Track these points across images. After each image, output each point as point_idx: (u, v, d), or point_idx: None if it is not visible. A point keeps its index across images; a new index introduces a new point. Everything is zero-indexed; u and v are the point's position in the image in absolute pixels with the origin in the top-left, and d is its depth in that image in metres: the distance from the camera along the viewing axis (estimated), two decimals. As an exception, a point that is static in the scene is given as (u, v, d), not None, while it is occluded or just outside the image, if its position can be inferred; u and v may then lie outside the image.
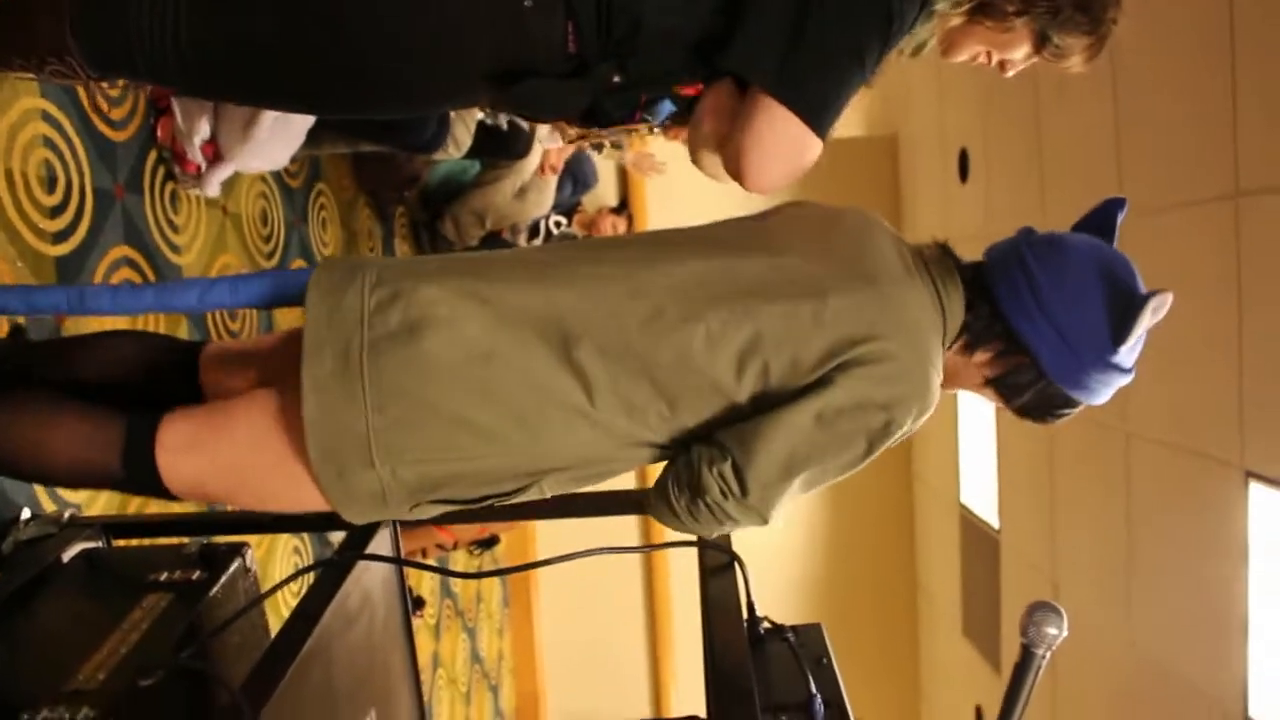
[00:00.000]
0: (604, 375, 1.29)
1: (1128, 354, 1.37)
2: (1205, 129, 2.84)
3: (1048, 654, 1.37)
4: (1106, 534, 3.51)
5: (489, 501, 1.38)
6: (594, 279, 1.36)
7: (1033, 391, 1.39)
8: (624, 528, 5.80)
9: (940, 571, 5.50)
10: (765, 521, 1.31)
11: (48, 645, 1.45)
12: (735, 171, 1.45)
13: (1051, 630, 1.35)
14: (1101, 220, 1.45)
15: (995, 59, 1.68)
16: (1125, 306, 1.33)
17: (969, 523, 4.97)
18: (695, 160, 1.63)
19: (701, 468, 1.29)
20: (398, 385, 1.29)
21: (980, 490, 4.82)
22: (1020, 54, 1.66)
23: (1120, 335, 1.33)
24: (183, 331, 2.49)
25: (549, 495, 1.37)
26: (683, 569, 5.65)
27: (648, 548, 1.51)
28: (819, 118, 1.40)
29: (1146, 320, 1.33)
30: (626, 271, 1.37)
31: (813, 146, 1.42)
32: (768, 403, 1.30)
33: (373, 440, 1.29)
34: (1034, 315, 1.35)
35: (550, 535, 5.41)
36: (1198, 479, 2.99)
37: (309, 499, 1.36)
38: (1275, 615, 2.75)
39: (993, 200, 4.44)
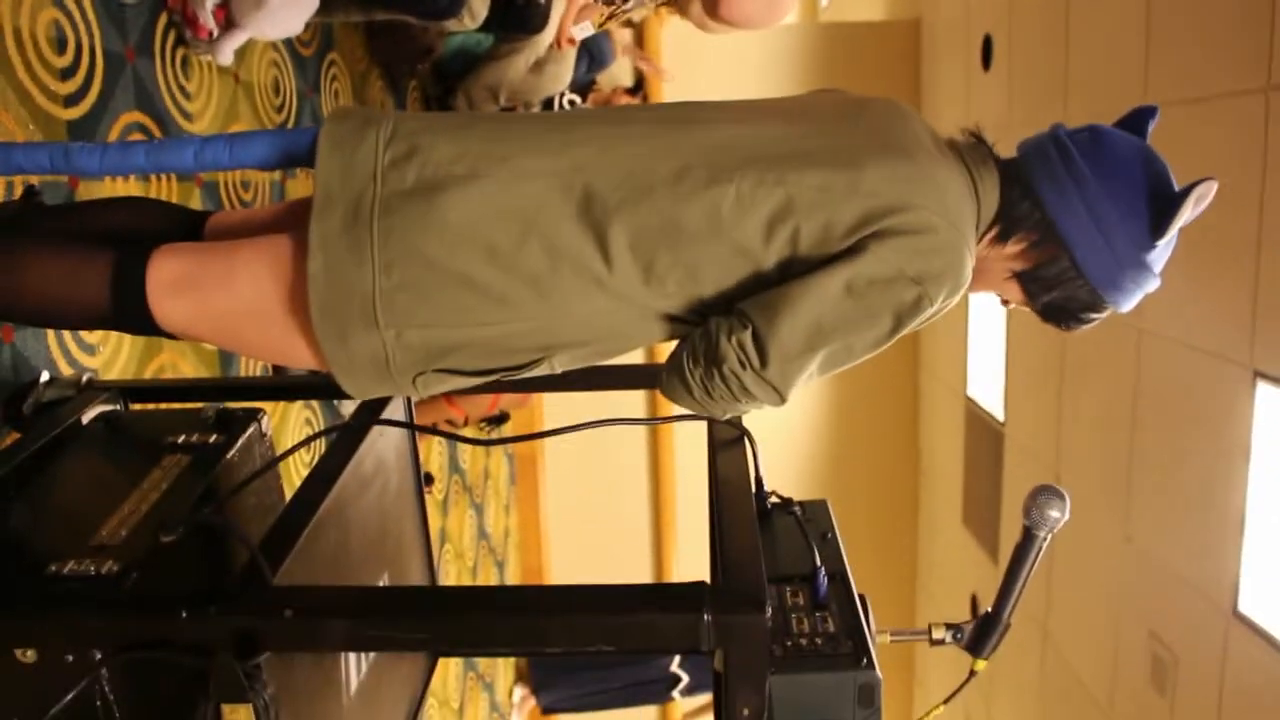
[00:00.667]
0: (623, 238, 1.25)
1: (1161, 252, 1.34)
2: (1240, 20, 2.77)
3: (1049, 537, 1.39)
4: (1112, 430, 3.54)
5: (497, 375, 1.34)
6: (619, 138, 1.32)
7: (1062, 288, 1.36)
8: (632, 405, 5.86)
9: (943, 461, 5.56)
10: (782, 399, 1.28)
11: (70, 504, 1.48)
12: (715, 3, 1.43)
13: (1054, 513, 1.37)
14: (1133, 127, 1.40)
15: None
16: (1166, 198, 1.30)
17: (974, 414, 5.00)
18: (684, 12, 1.60)
19: (720, 336, 1.25)
20: (409, 245, 1.25)
21: (987, 383, 4.84)
22: None
23: (1161, 227, 1.30)
24: (195, 203, 2.48)
25: (559, 371, 1.34)
26: (688, 445, 5.72)
27: (658, 420, 1.51)
28: None
29: (1189, 211, 1.30)
30: (654, 131, 1.33)
31: None
32: (794, 272, 1.26)
33: (378, 301, 1.25)
34: (1073, 204, 1.31)
35: (558, 412, 5.46)
36: (1207, 377, 3.00)
37: (305, 356, 1.33)
38: (1272, 514, 2.78)
39: (1015, 90, 4.35)
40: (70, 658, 1.20)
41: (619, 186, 1.27)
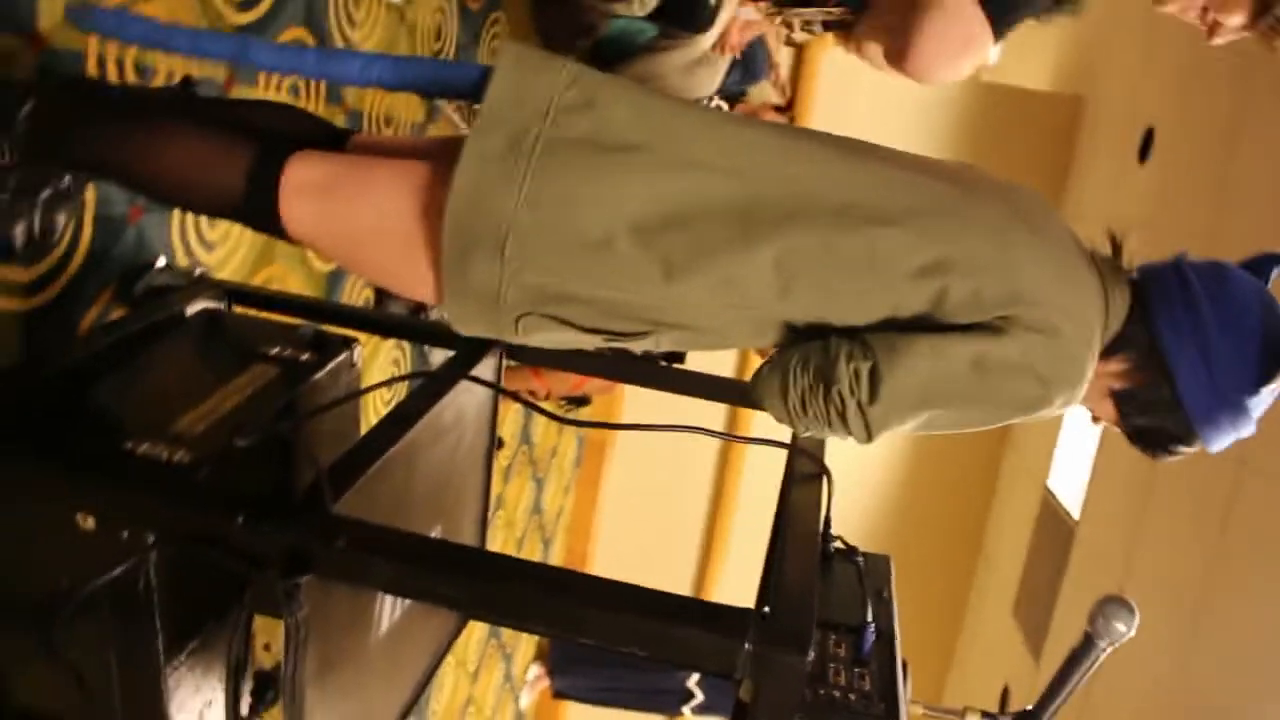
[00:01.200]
0: (771, 251, 1.24)
1: (1265, 398, 1.30)
2: None
3: (1109, 649, 1.35)
4: (1189, 555, 3.41)
5: (602, 336, 1.32)
6: (794, 154, 1.31)
7: (1156, 415, 1.33)
8: (712, 417, 5.85)
9: (1008, 545, 5.43)
10: (870, 439, 1.26)
11: (157, 389, 1.52)
12: (901, 51, 1.40)
13: (1120, 625, 1.33)
14: (1257, 269, 1.37)
15: (1209, 17, 1.57)
16: (1278, 344, 1.27)
17: (1049, 506, 4.87)
18: (858, 47, 1.58)
19: (840, 357, 1.23)
20: (563, 189, 1.24)
21: (1069, 478, 4.72)
22: (1236, 19, 1.55)
23: (1269, 376, 1.27)
24: (339, 123, 2.53)
25: (662, 349, 1.33)
26: (757, 472, 5.67)
27: (740, 438, 1.48)
28: (1001, 12, 1.34)
29: None
30: (829, 156, 1.32)
31: (985, 41, 1.36)
32: (928, 325, 1.25)
33: (512, 231, 1.24)
34: (1184, 334, 1.29)
35: (638, 408, 5.47)
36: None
37: (419, 282, 1.33)
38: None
39: (1168, 188, 4.22)
40: (125, 534, 1.23)
41: (783, 201, 1.26)
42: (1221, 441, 1.33)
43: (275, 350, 1.61)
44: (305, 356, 1.60)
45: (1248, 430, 1.33)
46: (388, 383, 1.47)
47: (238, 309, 1.80)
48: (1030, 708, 1.36)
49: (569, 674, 6.22)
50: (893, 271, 1.24)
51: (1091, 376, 1.29)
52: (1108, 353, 1.33)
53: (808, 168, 1.30)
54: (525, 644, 6.11)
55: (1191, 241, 1.38)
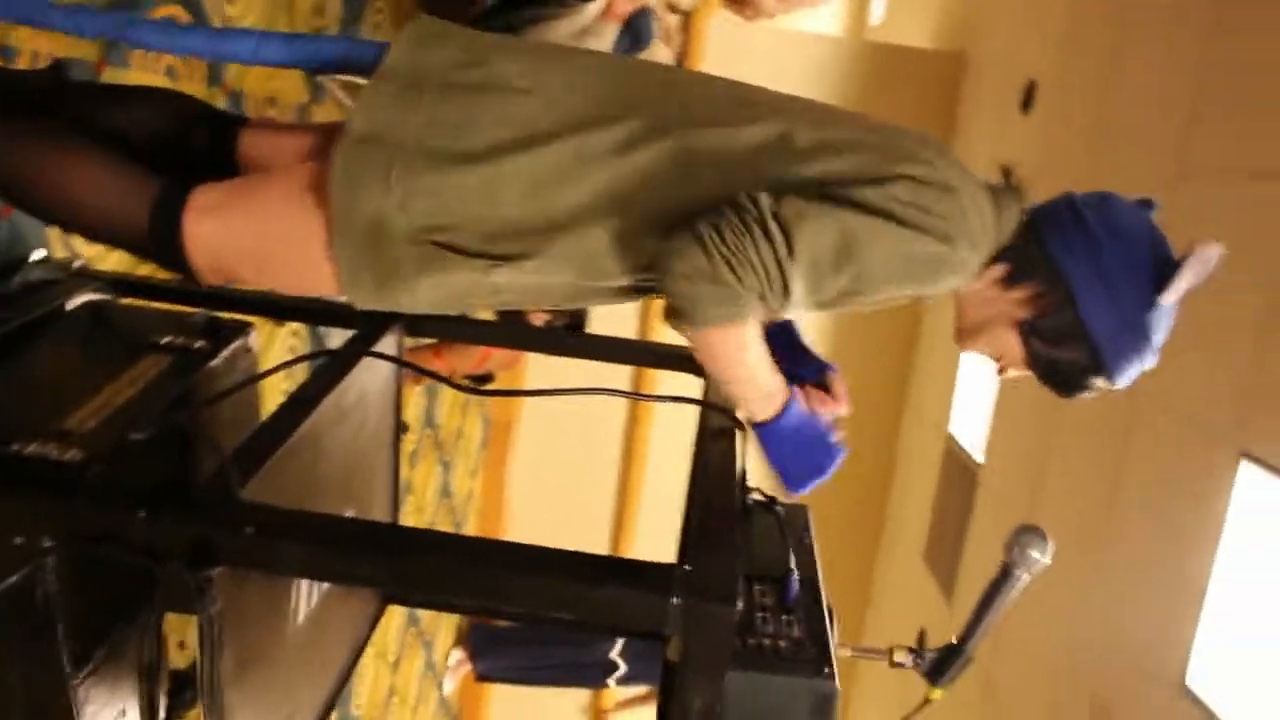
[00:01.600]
0: (647, 156, 1.30)
1: (1163, 319, 1.35)
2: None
3: (1026, 578, 1.38)
4: (1089, 488, 3.53)
5: (486, 261, 1.33)
6: (672, 78, 1.45)
7: (1063, 345, 1.36)
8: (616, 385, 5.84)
9: (914, 493, 5.56)
10: (791, 253, 1.23)
11: (42, 386, 1.45)
12: None
13: (1035, 554, 1.36)
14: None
15: None
16: (1170, 262, 1.32)
17: (952, 452, 5.00)
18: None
19: (742, 194, 1.26)
20: (457, 120, 1.30)
21: (970, 424, 4.84)
22: None
23: (1165, 286, 1.31)
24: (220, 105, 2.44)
25: (553, 280, 1.35)
26: (664, 437, 5.69)
27: (651, 397, 1.46)
28: None
29: (1192, 273, 1.31)
30: (703, 78, 1.45)
31: None
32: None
33: (398, 157, 1.29)
34: (1080, 258, 1.33)
35: (541, 383, 5.44)
36: (1193, 450, 2.99)
37: (327, 279, 1.37)
38: (1232, 595, 2.78)
39: (1050, 139, 4.33)
40: (18, 540, 1.17)
41: (662, 117, 1.32)
42: (1128, 370, 1.37)
43: (167, 339, 1.54)
44: (199, 344, 1.54)
45: (1150, 358, 1.36)
46: (288, 364, 1.42)
47: (124, 300, 1.73)
48: (954, 641, 1.39)
49: (490, 656, 6.19)
50: (777, 163, 1.30)
51: (986, 291, 1.37)
52: (1010, 279, 1.37)
53: (688, 86, 1.41)
54: (445, 630, 6.06)
55: (1074, 187, 1.43)
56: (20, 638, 1.22)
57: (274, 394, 2.83)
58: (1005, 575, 1.37)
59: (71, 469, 1.23)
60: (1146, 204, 1.41)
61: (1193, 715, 2.79)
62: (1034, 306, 1.37)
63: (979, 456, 4.65)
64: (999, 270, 1.38)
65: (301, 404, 1.35)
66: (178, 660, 1.17)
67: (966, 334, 1.46)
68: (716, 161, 1.30)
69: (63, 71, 1.77)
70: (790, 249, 1.22)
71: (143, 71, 2.05)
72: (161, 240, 1.40)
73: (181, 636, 1.14)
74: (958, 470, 4.86)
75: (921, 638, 4.96)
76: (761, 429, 1.37)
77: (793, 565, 1.28)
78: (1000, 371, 1.47)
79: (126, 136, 1.53)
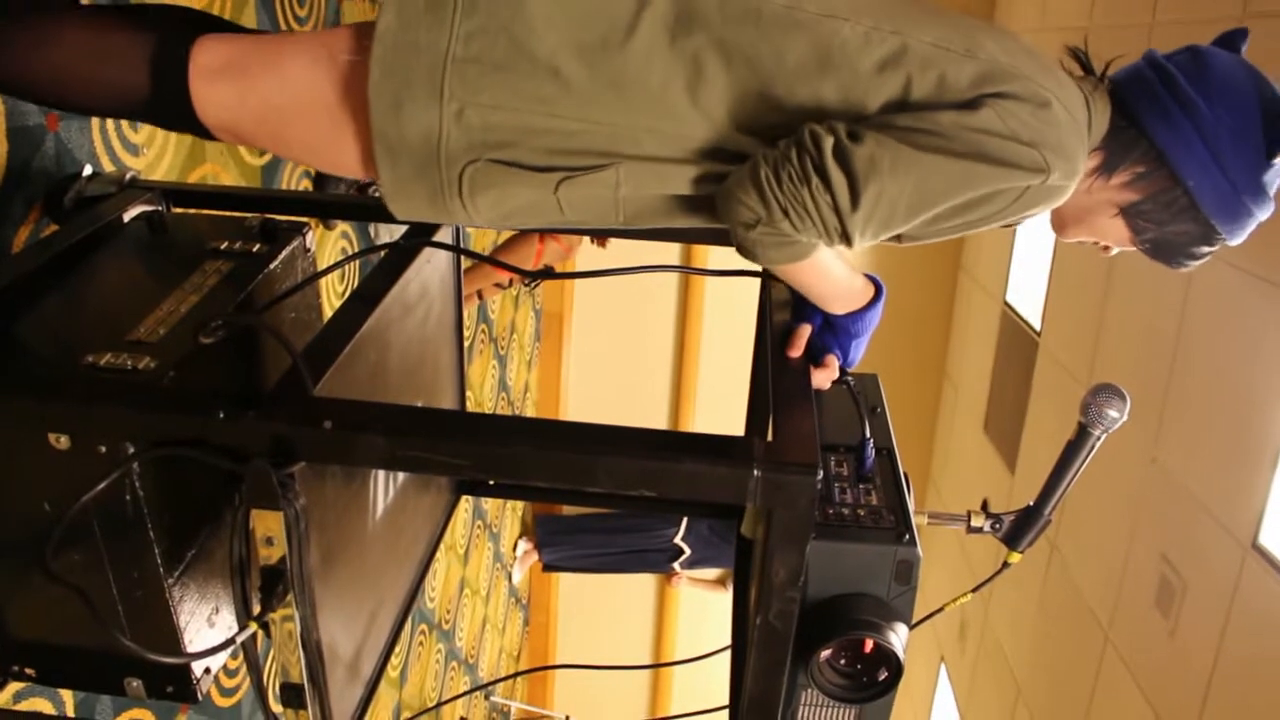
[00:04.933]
0: (718, 57, 1.17)
1: (1276, 176, 1.25)
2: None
3: (1103, 436, 1.36)
4: (1151, 348, 3.47)
5: (556, 174, 1.21)
6: None
7: (1174, 221, 1.27)
8: (666, 289, 5.81)
9: (971, 365, 5.51)
10: (854, 204, 1.10)
11: (107, 299, 1.46)
12: None
13: (1113, 412, 1.34)
14: (1226, 46, 1.31)
15: None
16: (1277, 114, 1.21)
17: (1010, 321, 4.93)
18: None
19: (809, 124, 1.12)
20: (496, 19, 1.16)
21: (1028, 291, 4.76)
22: None
23: (1277, 146, 1.21)
24: (250, 15, 2.40)
25: (622, 191, 1.22)
26: (717, 320, 5.67)
27: (709, 271, 1.41)
28: None
29: None
30: None
31: None
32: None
33: (449, 67, 1.15)
34: (1183, 130, 1.22)
35: (591, 282, 5.41)
36: (1258, 305, 2.92)
37: (352, 156, 1.25)
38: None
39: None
40: (103, 449, 1.19)
41: (724, 3, 1.18)
42: (1244, 230, 1.28)
43: (224, 245, 1.55)
44: (256, 248, 1.54)
45: (1268, 210, 1.27)
46: (347, 260, 1.41)
47: (177, 210, 1.73)
48: (1031, 503, 1.38)
49: (556, 547, 6.33)
50: (850, 68, 1.17)
51: (1085, 184, 1.24)
52: (1107, 168, 1.27)
53: None
54: (511, 521, 6.19)
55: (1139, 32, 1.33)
56: (114, 543, 1.26)
57: (331, 300, 2.85)
58: (1082, 435, 1.35)
59: (148, 377, 1.24)
60: (1237, 39, 1.29)
61: (1265, 571, 2.78)
62: (1137, 189, 1.27)
63: (1038, 324, 4.59)
64: (1094, 159, 1.27)
65: (365, 301, 1.35)
66: (266, 557, 1.19)
67: (1066, 224, 1.36)
68: (782, 71, 1.17)
69: None
70: (854, 201, 1.11)
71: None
72: (166, 98, 1.26)
73: (268, 534, 1.16)
74: (1016, 339, 4.81)
75: (985, 507, 4.98)
76: (845, 319, 1.31)
77: (868, 434, 1.27)
78: (1104, 250, 1.39)
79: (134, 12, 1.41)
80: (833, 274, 1.24)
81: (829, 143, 1.09)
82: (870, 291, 1.31)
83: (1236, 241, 1.30)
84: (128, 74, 1.26)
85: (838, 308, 1.30)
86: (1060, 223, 1.37)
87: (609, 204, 1.23)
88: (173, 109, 1.27)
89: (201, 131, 1.30)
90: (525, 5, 1.17)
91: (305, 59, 1.24)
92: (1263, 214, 1.27)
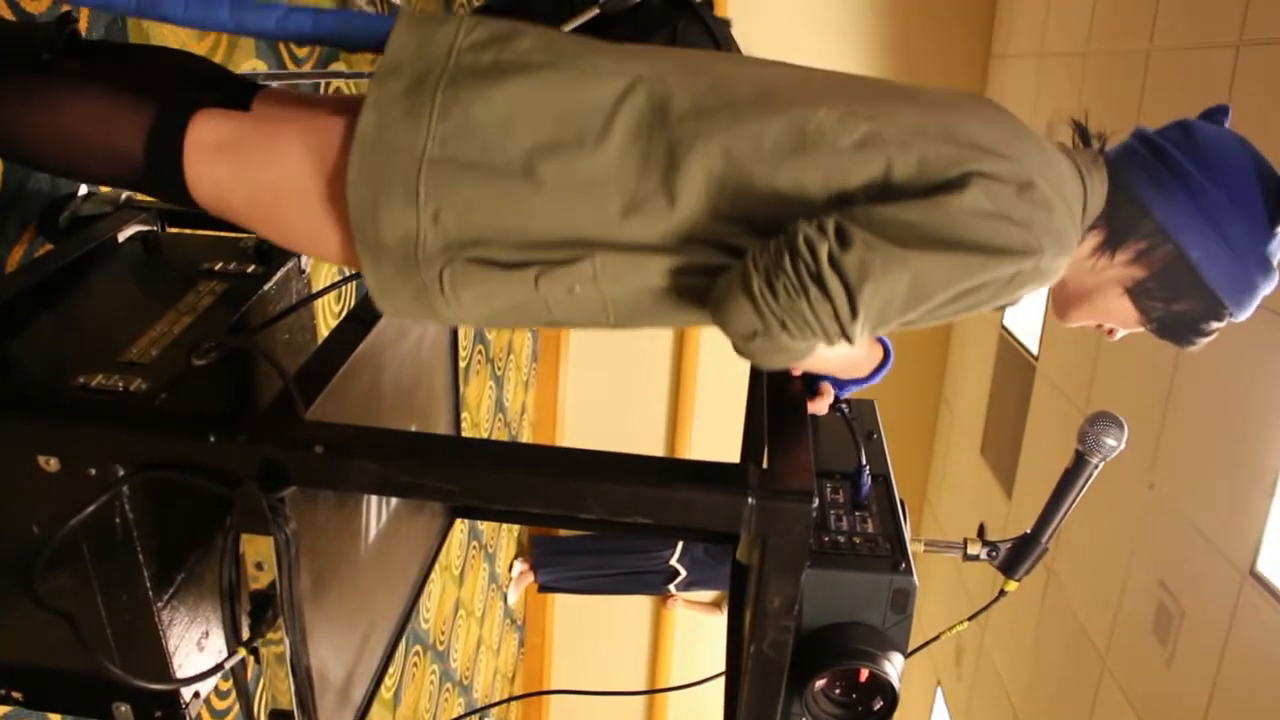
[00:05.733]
0: (701, 154, 1.14)
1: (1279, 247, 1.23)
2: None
3: (1101, 464, 1.35)
4: (1149, 374, 3.47)
5: (532, 270, 1.17)
6: (703, 59, 1.24)
7: (1180, 298, 1.24)
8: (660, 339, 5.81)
9: (968, 389, 5.51)
10: (851, 308, 1.06)
11: (100, 319, 1.46)
12: None
13: (1110, 440, 1.33)
14: (1211, 121, 1.29)
15: None
16: (1276, 181, 1.20)
17: (1007, 345, 4.93)
18: None
19: (798, 224, 1.08)
20: (470, 120, 1.15)
21: (1025, 316, 4.76)
22: None
23: (1277, 211, 1.19)
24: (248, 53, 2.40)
25: (600, 280, 1.17)
26: (714, 348, 5.67)
27: None
28: None
29: None
30: (737, 61, 1.24)
31: None
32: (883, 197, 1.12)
33: (425, 169, 1.14)
34: (1183, 203, 1.20)
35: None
36: (1256, 331, 2.92)
37: (337, 245, 1.23)
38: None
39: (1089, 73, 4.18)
40: (93, 471, 1.19)
41: (698, 98, 1.16)
42: (1250, 304, 1.26)
43: (219, 265, 1.54)
44: (251, 269, 1.54)
45: (1273, 282, 1.25)
46: (342, 282, 1.41)
47: (171, 230, 1.72)
48: (1029, 531, 1.37)
49: (552, 567, 6.30)
50: (830, 147, 1.13)
51: (1087, 264, 1.23)
52: (1110, 245, 1.24)
53: (718, 67, 1.21)
54: (506, 542, 6.17)
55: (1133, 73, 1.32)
56: (103, 566, 1.25)
57: (325, 316, 2.84)
58: (1079, 463, 1.34)
59: (138, 398, 1.23)
60: (1219, 116, 1.28)
61: (1262, 599, 2.76)
62: (1142, 266, 1.24)
63: (1035, 349, 4.59)
64: (1095, 238, 1.24)
65: (361, 321, 1.35)
66: (256, 582, 1.18)
67: (1070, 308, 1.33)
68: (759, 157, 1.14)
69: (70, 24, 1.71)
70: (853, 309, 1.07)
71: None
72: (159, 171, 1.25)
73: (258, 558, 1.15)
74: (1013, 363, 4.80)
75: (981, 531, 4.96)
76: (851, 383, 1.32)
77: (863, 460, 1.26)
78: (1109, 334, 1.36)
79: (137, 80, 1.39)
80: (834, 355, 1.20)
81: (824, 250, 1.06)
82: (877, 355, 1.30)
83: (1243, 316, 1.27)
84: (125, 144, 1.25)
85: (843, 376, 1.30)
86: (1064, 306, 1.34)
87: (595, 302, 1.20)
88: (165, 182, 1.26)
89: (192, 205, 1.28)
90: (499, 106, 1.15)
91: (301, 146, 1.22)
92: (1268, 286, 1.25)
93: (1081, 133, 1.31)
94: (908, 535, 1.22)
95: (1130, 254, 1.24)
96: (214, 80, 1.47)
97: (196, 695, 1.38)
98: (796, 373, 1.31)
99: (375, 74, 1.18)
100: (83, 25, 1.79)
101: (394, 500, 1.54)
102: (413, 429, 1.59)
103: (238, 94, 1.43)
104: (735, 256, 1.13)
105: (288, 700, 1.24)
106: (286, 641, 1.18)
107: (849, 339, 1.09)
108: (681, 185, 1.13)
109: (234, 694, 2.60)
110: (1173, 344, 1.31)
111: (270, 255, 1.57)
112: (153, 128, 1.24)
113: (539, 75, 1.17)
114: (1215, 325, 1.28)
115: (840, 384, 1.32)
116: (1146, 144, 1.24)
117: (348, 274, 3.06)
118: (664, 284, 1.17)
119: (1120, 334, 1.35)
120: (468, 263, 1.17)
